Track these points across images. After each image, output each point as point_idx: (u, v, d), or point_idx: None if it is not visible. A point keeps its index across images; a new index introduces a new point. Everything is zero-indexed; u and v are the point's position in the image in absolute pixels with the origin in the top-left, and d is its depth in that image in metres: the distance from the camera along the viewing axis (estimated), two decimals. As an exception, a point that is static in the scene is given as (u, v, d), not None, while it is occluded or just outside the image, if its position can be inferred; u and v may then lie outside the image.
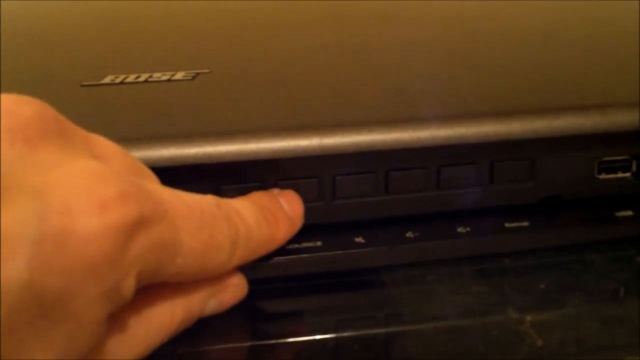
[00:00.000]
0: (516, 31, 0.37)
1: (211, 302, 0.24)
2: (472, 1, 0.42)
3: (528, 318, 0.26)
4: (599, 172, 0.31)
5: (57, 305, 0.17)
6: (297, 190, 0.27)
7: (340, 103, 0.30)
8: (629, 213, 0.31)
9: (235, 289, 0.25)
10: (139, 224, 0.18)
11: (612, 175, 0.31)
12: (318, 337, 0.25)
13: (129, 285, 0.19)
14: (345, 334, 0.25)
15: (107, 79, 0.31)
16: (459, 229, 0.30)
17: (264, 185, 0.27)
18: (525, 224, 0.30)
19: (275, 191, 0.27)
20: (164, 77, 0.31)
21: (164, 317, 0.22)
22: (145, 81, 0.31)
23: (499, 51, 0.34)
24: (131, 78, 0.31)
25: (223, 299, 0.25)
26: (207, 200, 0.23)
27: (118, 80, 0.31)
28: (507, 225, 0.30)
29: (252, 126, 0.27)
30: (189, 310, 0.23)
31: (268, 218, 0.25)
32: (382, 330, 0.26)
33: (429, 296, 0.28)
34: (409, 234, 0.29)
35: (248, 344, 0.25)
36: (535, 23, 0.38)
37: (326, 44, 0.36)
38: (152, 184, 0.21)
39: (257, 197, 0.26)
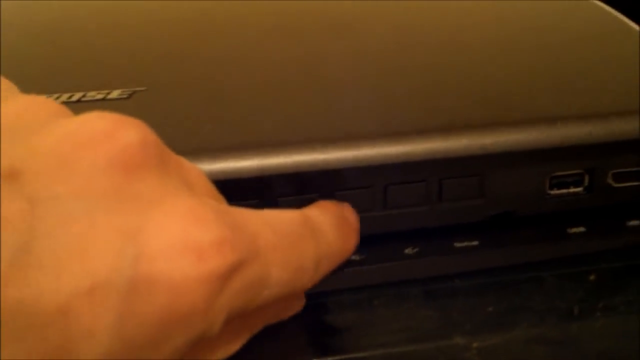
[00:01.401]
0: (464, 42, 0.36)
1: (272, 320, 0.24)
2: (419, 14, 0.41)
3: (475, 344, 0.25)
4: (551, 188, 0.30)
5: (144, 352, 0.16)
6: None
7: (280, 120, 0.28)
8: (581, 229, 0.30)
9: (298, 306, 0.25)
10: (234, 270, 0.18)
11: (564, 191, 0.30)
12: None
13: (217, 329, 0.18)
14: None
15: (39, 99, 0.29)
16: (407, 250, 0.29)
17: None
18: (475, 243, 0.29)
19: (336, 201, 0.27)
20: (99, 96, 0.30)
21: (229, 347, 0.22)
22: (79, 100, 0.29)
23: (446, 63, 0.33)
24: (64, 98, 0.29)
25: (283, 316, 0.24)
26: (294, 220, 0.22)
27: (50, 100, 0.29)
28: (456, 244, 0.29)
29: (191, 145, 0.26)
30: (252, 333, 0.23)
31: (342, 229, 0.24)
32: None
33: (373, 322, 0.27)
34: (354, 257, 0.28)
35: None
36: (484, 33, 0.37)
37: (267, 55, 0.34)
38: (241, 213, 0.20)
39: (329, 206, 0.25)
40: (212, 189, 0.22)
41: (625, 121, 0.29)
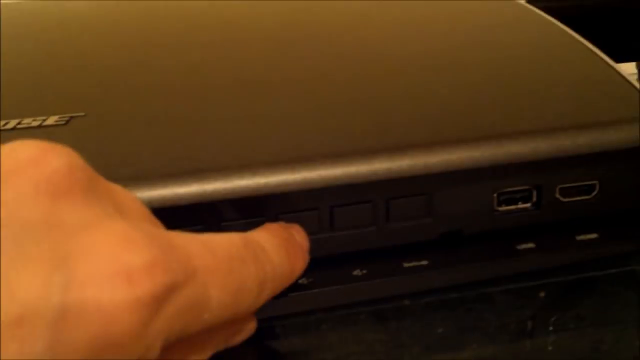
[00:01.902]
0: (405, 59, 0.36)
1: (221, 345, 0.23)
2: (358, 31, 0.40)
3: (423, 368, 0.25)
4: (499, 204, 0.30)
5: None
6: None
7: (221, 144, 0.28)
8: (531, 245, 0.30)
9: (248, 330, 0.24)
10: (168, 293, 0.17)
11: (512, 207, 0.30)
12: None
13: (154, 354, 0.17)
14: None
15: (-27, 128, 0.28)
16: (355, 272, 0.28)
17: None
18: (424, 262, 0.29)
19: (283, 223, 0.26)
20: (35, 123, 0.29)
21: None
22: (14, 128, 0.28)
23: (389, 81, 0.33)
24: (-1, 125, 0.28)
25: (234, 341, 0.24)
26: (235, 242, 0.21)
27: (-15, 128, 0.28)
28: (405, 264, 0.28)
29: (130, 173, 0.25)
30: (201, 359, 0.22)
31: (289, 251, 0.24)
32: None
33: (321, 347, 0.26)
34: (302, 280, 0.27)
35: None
36: (425, 49, 0.37)
37: (209, 79, 0.34)
38: (178, 236, 0.19)
39: (274, 228, 0.25)
40: (147, 214, 0.21)
41: (570, 136, 0.29)
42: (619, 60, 0.36)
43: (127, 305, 0.16)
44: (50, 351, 0.15)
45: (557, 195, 0.30)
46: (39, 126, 0.28)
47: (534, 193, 0.30)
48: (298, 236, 0.26)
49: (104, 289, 0.16)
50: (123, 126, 0.29)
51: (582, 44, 0.37)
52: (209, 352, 0.23)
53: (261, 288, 0.22)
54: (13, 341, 0.15)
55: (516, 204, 0.30)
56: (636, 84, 0.32)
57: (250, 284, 0.21)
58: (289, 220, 0.27)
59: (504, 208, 0.30)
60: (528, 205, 0.30)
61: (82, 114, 0.29)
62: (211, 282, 0.19)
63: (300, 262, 0.25)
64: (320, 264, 0.27)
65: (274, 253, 0.23)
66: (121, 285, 0.16)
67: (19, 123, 0.29)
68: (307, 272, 0.26)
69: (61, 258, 0.16)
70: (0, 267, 0.15)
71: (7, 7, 0.46)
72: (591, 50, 0.36)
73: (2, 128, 0.28)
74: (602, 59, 0.35)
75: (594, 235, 0.30)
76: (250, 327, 0.25)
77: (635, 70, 0.53)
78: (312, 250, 0.26)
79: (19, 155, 0.17)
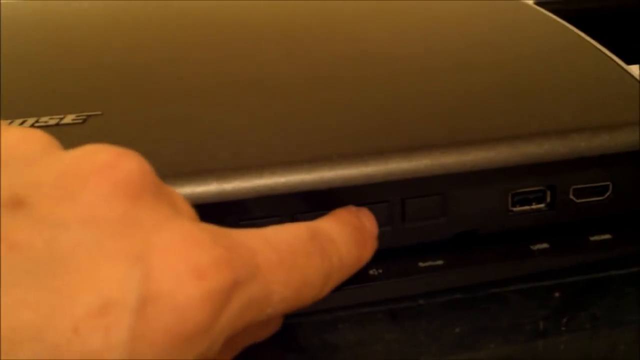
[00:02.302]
0: (421, 58, 0.36)
1: (248, 341, 0.24)
2: (371, 32, 0.40)
3: (441, 368, 0.25)
4: (513, 205, 0.30)
5: None
6: None
7: (241, 143, 0.28)
8: (545, 246, 0.30)
9: (275, 325, 0.25)
10: (233, 289, 0.18)
11: (526, 207, 0.30)
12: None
13: (217, 348, 0.18)
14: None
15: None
16: (371, 272, 0.28)
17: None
18: (440, 262, 0.29)
19: (354, 208, 0.26)
20: (52, 122, 0.29)
21: None
22: (32, 126, 0.28)
23: (405, 82, 0.33)
24: (16, 123, 0.29)
25: (260, 336, 0.24)
26: (301, 236, 0.22)
27: (2, 127, 0.28)
28: (420, 264, 0.29)
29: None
30: (233, 355, 0.23)
31: (357, 238, 0.24)
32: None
33: (338, 346, 0.26)
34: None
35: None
36: (444, 49, 0.37)
37: (225, 77, 0.34)
38: (240, 234, 0.20)
39: (344, 215, 0.25)
40: (194, 214, 0.22)
41: (584, 138, 0.29)
42: (628, 62, 0.36)
43: (198, 299, 0.17)
44: (133, 342, 0.16)
45: (571, 196, 0.30)
46: (57, 124, 0.29)
47: (548, 194, 0.30)
48: (368, 222, 0.26)
49: (178, 283, 0.17)
50: (139, 125, 0.29)
51: (593, 45, 0.37)
52: (240, 348, 0.23)
53: (326, 280, 0.22)
54: (98, 330, 0.15)
55: (530, 204, 0.30)
56: (648, 85, 0.32)
57: (315, 277, 0.22)
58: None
59: (518, 208, 0.30)
60: (542, 205, 0.30)
61: (99, 112, 0.29)
62: (274, 278, 0.20)
63: (368, 250, 0.25)
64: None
65: (342, 244, 0.23)
66: (193, 281, 0.17)
67: (36, 121, 0.29)
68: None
69: (139, 254, 0.16)
70: (84, 262, 0.16)
71: (13, 6, 0.46)
72: (602, 52, 0.36)
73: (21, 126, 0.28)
74: (613, 60, 0.35)
75: (607, 236, 0.30)
76: (277, 322, 0.25)
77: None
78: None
79: (96, 159, 0.18)
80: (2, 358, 0.14)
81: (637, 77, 0.34)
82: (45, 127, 0.28)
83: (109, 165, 0.18)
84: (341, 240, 0.23)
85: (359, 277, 0.28)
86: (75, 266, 0.16)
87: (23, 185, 0.17)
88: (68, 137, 0.27)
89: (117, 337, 0.15)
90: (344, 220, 0.25)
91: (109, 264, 0.16)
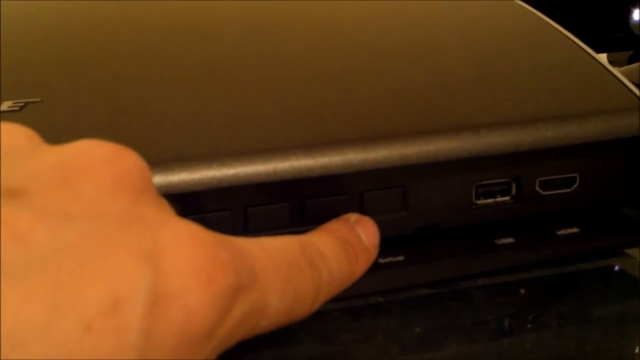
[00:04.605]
0: (383, 47, 0.34)
1: None
2: (337, 17, 0.39)
3: (400, 370, 0.23)
4: (477, 198, 0.29)
5: None
6: None
7: (178, 133, 0.26)
8: (510, 240, 0.29)
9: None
10: (237, 293, 0.18)
11: (490, 200, 0.29)
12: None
13: (213, 357, 0.18)
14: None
15: None
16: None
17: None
18: (400, 258, 0.28)
19: (353, 218, 0.26)
20: (-13, 109, 0.27)
21: None
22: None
23: (365, 69, 0.32)
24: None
25: None
26: (292, 247, 0.21)
27: None
28: (380, 260, 0.27)
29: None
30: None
31: (349, 254, 0.24)
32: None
33: (293, 347, 0.25)
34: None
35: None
36: (404, 37, 0.36)
37: (176, 61, 0.32)
38: (239, 240, 0.19)
39: (337, 229, 0.25)
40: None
41: (551, 127, 0.28)
42: (597, 50, 0.35)
43: (206, 300, 0.16)
44: (145, 342, 0.15)
45: (537, 188, 0.29)
46: (-9, 112, 0.27)
47: (513, 186, 0.29)
48: (365, 235, 0.25)
49: (187, 282, 0.16)
50: (81, 113, 0.27)
51: (562, 33, 0.36)
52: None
53: (316, 295, 0.21)
54: (111, 329, 0.14)
55: (495, 197, 0.29)
56: (618, 74, 0.31)
57: (307, 292, 0.21)
58: (255, 213, 0.25)
59: (482, 201, 0.29)
60: (507, 198, 0.29)
61: (38, 99, 0.28)
62: (270, 288, 0.19)
63: (361, 265, 0.24)
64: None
65: (332, 258, 0.23)
66: (201, 281, 0.16)
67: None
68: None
69: (147, 250, 0.16)
70: (91, 256, 0.15)
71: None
72: (571, 40, 0.35)
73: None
74: (582, 48, 0.34)
75: (574, 230, 0.29)
76: None
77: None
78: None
79: (94, 154, 0.17)
80: (7, 355, 0.13)
81: (606, 65, 0.33)
82: (-21, 115, 0.26)
83: (108, 160, 0.17)
84: (332, 254, 0.23)
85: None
86: (81, 260, 0.15)
87: (18, 177, 0.16)
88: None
89: (130, 336, 0.15)
90: (337, 234, 0.24)
91: (118, 259, 0.15)
